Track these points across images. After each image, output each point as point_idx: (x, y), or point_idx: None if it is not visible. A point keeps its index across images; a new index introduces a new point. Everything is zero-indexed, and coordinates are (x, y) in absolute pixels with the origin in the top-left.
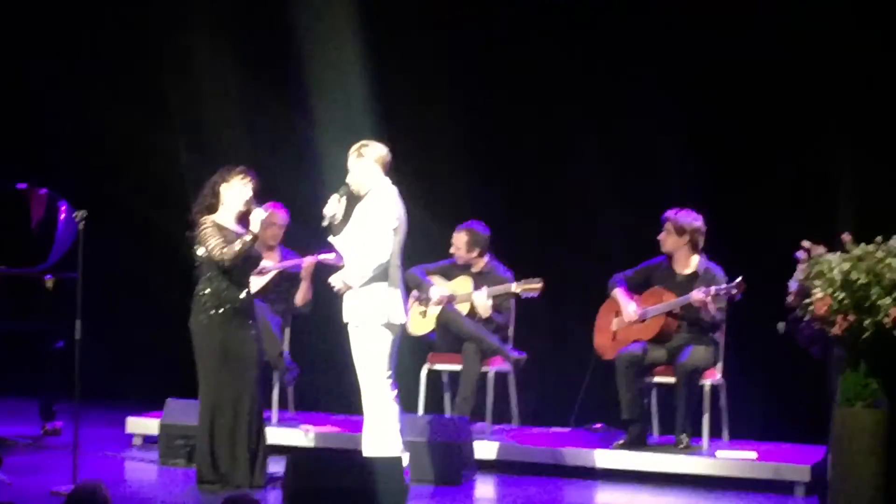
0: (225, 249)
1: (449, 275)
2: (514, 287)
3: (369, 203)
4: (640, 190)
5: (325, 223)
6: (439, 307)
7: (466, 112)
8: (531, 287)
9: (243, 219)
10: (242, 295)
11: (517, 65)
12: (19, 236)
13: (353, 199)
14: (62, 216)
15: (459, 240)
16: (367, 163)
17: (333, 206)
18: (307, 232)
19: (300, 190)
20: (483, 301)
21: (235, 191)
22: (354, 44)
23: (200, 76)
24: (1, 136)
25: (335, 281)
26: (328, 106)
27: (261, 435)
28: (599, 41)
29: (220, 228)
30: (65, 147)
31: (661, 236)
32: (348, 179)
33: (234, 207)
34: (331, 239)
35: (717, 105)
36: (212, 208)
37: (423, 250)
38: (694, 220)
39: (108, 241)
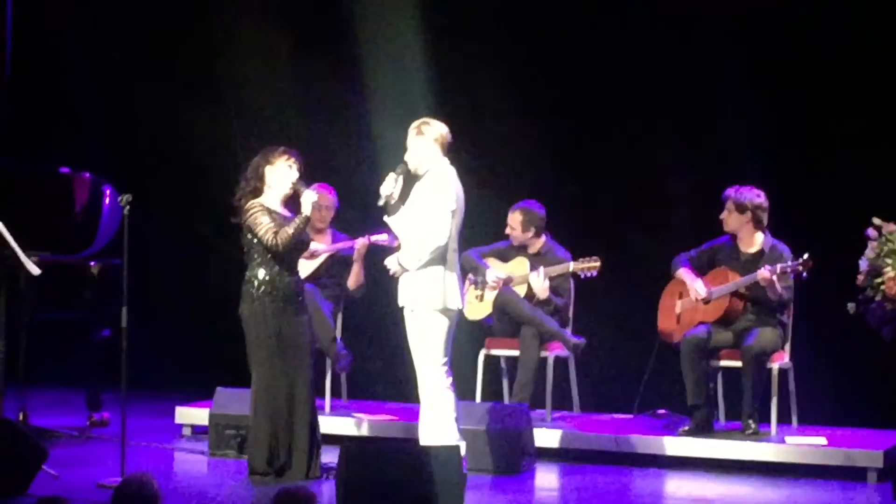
0: (278, 233)
1: (505, 256)
2: (571, 266)
3: (427, 183)
4: (705, 166)
5: (381, 202)
6: (496, 291)
7: (524, 86)
8: (589, 266)
9: (289, 202)
10: (294, 280)
11: (577, 37)
12: (63, 222)
13: (410, 179)
14: (107, 201)
15: (514, 220)
16: (426, 141)
17: (390, 185)
18: (359, 213)
19: (353, 170)
20: (539, 282)
21: (280, 173)
22: (409, 18)
23: (247, 52)
24: (42, 121)
25: (391, 263)
26: (382, 82)
27: (315, 425)
28: (660, 12)
29: (270, 212)
30: (107, 130)
31: (722, 215)
32: (407, 158)
33: (279, 190)
34: (386, 219)
35: (785, 78)
36: (257, 192)
37: (478, 230)
38: (755, 196)
39: (154, 226)
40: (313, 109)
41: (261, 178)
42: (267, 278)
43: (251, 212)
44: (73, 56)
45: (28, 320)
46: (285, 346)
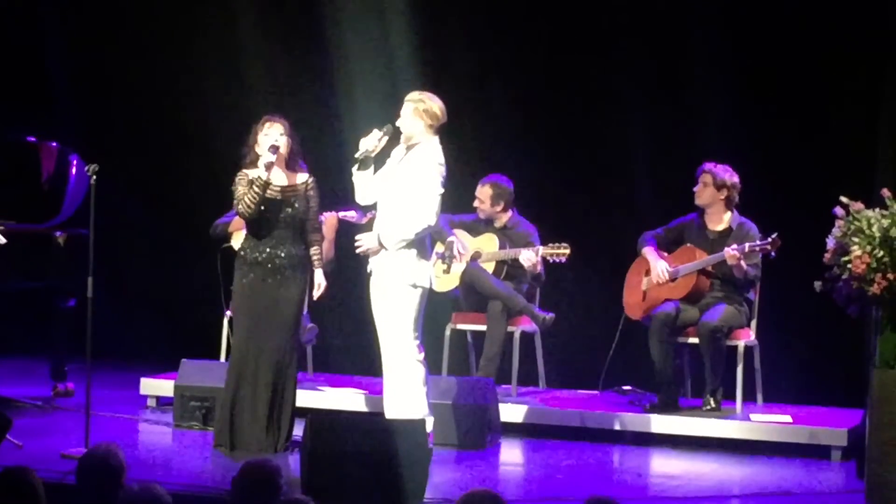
0: (239, 204)
1: (473, 230)
2: (541, 251)
3: (417, 158)
4: (671, 144)
5: (358, 155)
6: (463, 263)
7: (489, 63)
8: (558, 252)
9: (289, 166)
10: (267, 248)
11: (552, 16)
12: (29, 191)
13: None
14: (73, 170)
15: (483, 193)
16: (428, 117)
17: (373, 141)
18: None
19: (322, 144)
20: (533, 258)
21: (260, 142)
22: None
23: (219, 20)
24: (9, 88)
25: (368, 241)
26: (352, 53)
27: (286, 397)
28: None
29: (251, 182)
30: (74, 99)
31: (696, 188)
32: (403, 127)
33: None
34: (354, 173)
35: (753, 56)
36: (255, 161)
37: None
38: (732, 175)
39: (120, 196)
40: (283, 82)
41: (252, 148)
42: (244, 248)
43: (235, 181)
44: (45, 22)
45: None
46: (256, 317)
